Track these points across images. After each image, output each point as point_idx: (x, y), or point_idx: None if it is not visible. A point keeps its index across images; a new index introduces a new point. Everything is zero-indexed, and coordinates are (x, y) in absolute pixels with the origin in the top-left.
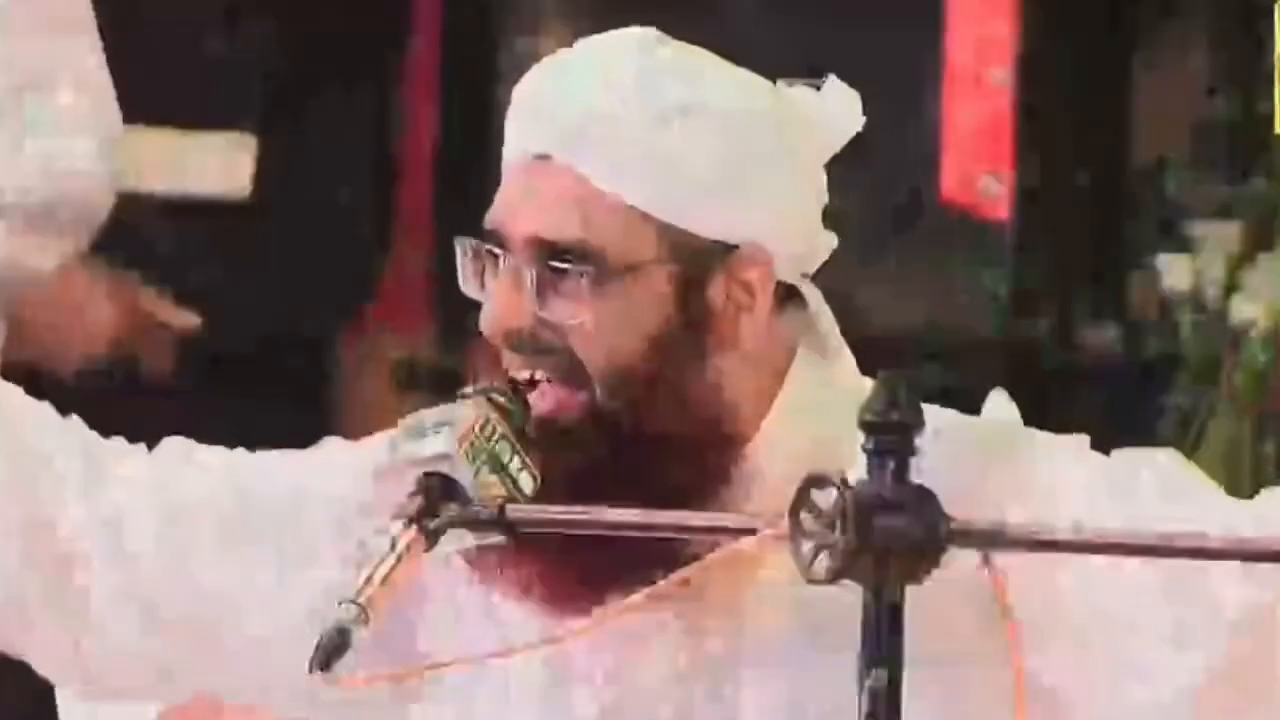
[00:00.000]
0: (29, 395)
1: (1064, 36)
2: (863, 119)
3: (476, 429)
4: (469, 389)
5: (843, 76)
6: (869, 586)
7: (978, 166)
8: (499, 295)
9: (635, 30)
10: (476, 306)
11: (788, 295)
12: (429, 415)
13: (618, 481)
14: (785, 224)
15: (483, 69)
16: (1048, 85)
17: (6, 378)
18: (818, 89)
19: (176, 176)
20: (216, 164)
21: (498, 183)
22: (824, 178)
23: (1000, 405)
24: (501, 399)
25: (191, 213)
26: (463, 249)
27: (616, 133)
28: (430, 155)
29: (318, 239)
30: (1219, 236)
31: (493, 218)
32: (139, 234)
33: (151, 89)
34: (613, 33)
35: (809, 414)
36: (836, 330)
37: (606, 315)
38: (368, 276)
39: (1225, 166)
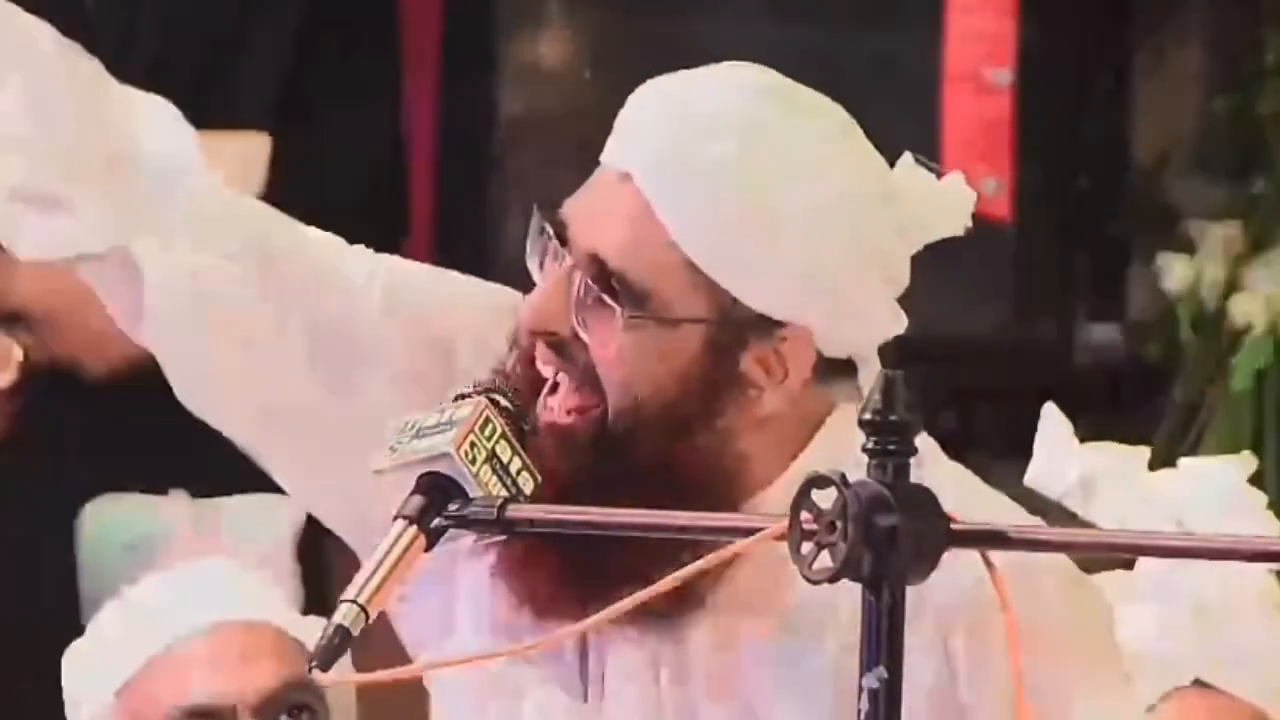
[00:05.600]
0: (61, 394)
1: (1064, 36)
2: (969, 224)
3: (476, 429)
4: (469, 389)
5: (843, 76)
6: (869, 586)
7: (978, 166)
8: (546, 292)
9: (762, 77)
10: None
11: (834, 365)
12: (429, 415)
13: (616, 500)
14: (844, 313)
15: (483, 69)
16: (1048, 85)
17: (39, 375)
18: (938, 175)
19: None
20: (230, 164)
21: (498, 183)
22: (907, 266)
23: (1053, 418)
24: (501, 399)
25: None
26: (536, 224)
27: (698, 183)
28: (430, 155)
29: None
30: (1219, 236)
31: (567, 211)
32: None
33: (164, 89)
34: (739, 70)
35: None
36: None
37: (633, 353)
38: None
39: (1225, 166)
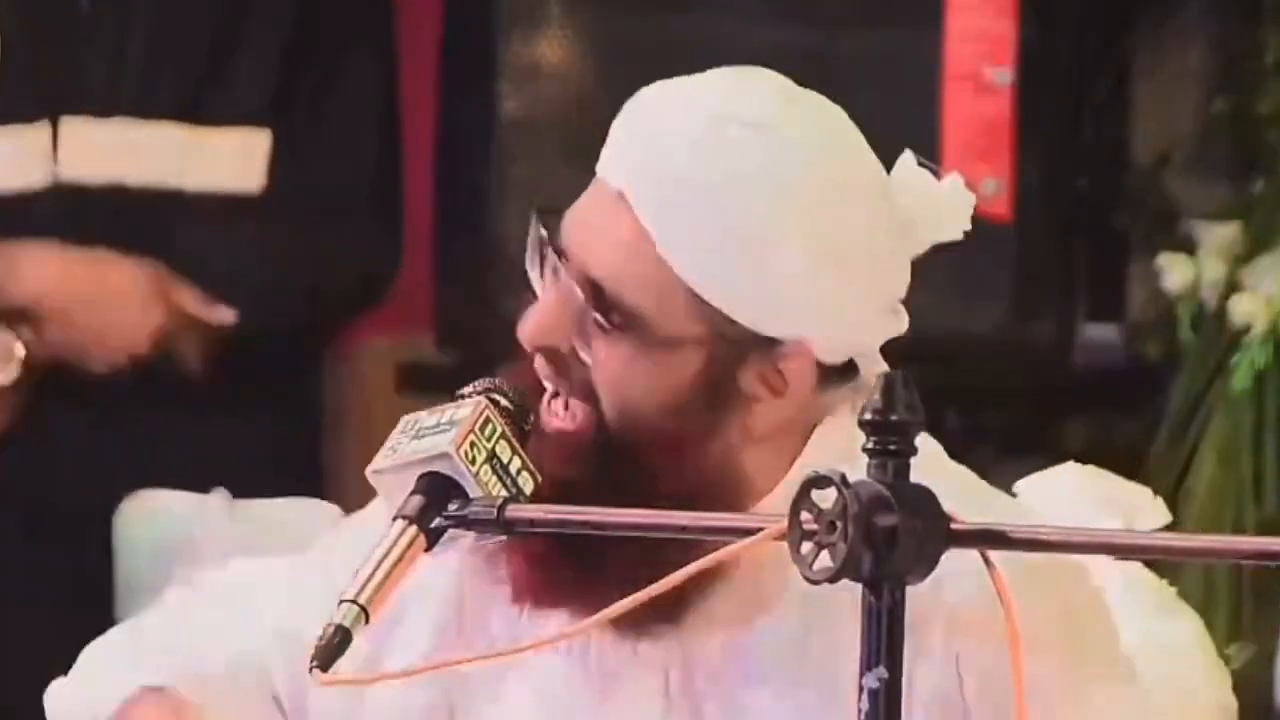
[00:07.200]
0: (60, 392)
1: (1064, 36)
2: (968, 227)
3: (476, 429)
4: (469, 389)
5: (843, 76)
6: (869, 586)
7: (978, 166)
8: (545, 307)
9: (763, 81)
10: (475, 306)
11: (837, 370)
12: (429, 415)
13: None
14: (844, 325)
15: (483, 69)
16: (1048, 85)
17: (40, 375)
18: (938, 176)
19: (189, 171)
20: (230, 159)
21: (498, 182)
22: (907, 269)
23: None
24: (502, 399)
25: (204, 207)
26: (535, 232)
27: (687, 203)
28: (430, 155)
29: (331, 234)
30: (1219, 236)
31: (566, 223)
32: (153, 229)
33: (164, 83)
34: (740, 76)
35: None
36: None
37: (630, 373)
38: (381, 272)
39: (1225, 166)
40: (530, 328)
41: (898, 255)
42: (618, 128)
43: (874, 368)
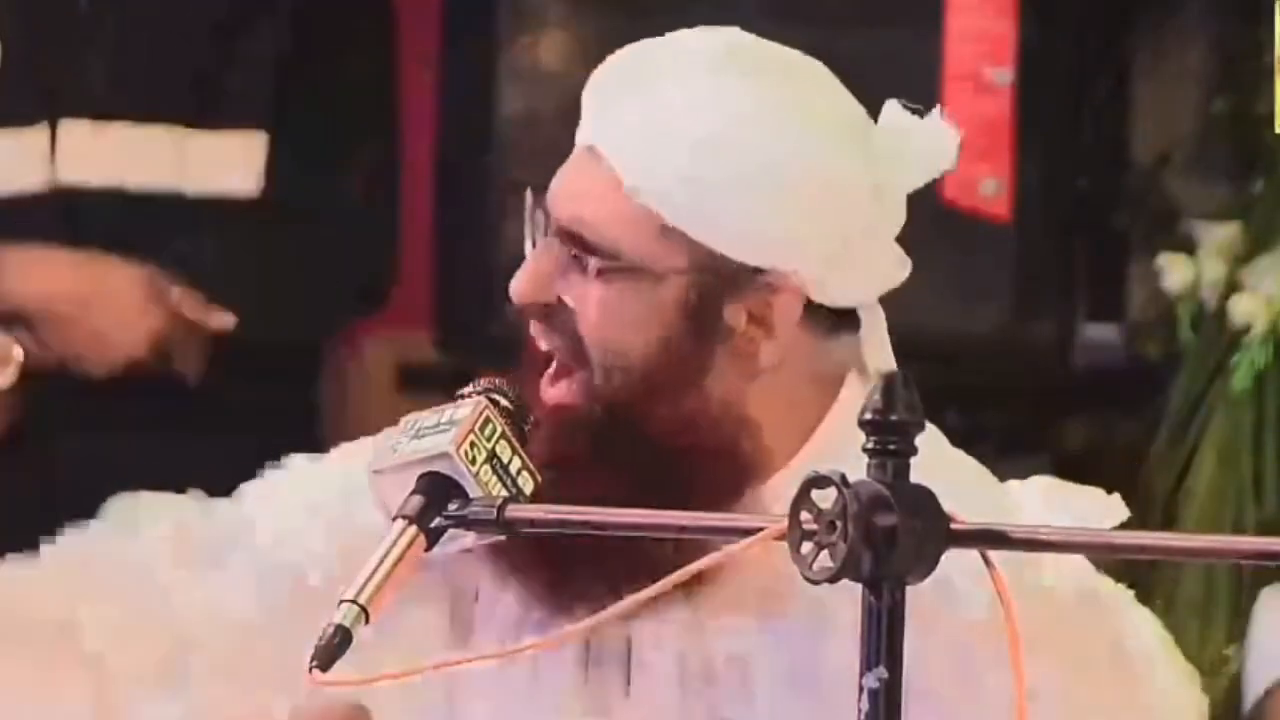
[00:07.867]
0: (58, 396)
1: (1064, 36)
2: (954, 159)
3: (476, 429)
4: (469, 389)
5: (843, 77)
6: (869, 586)
7: (978, 167)
8: (533, 265)
9: (722, 35)
10: (475, 306)
11: (841, 320)
12: (429, 415)
13: (619, 477)
14: (829, 255)
15: (483, 69)
16: (1048, 85)
17: (38, 379)
18: (921, 115)
19: (188, 175)
20: (226, 162)
21: (498, 183)
22: (900, 211)
23: None
24: (502, 399)
25: (203, 211)
26: (528, 205)
27: (658, 144)
28: (430, 155)
29: (329, 237)
30: (1219, 236)
31: (550, 189)
32: (152, 233)
33: (161, 86)
34: (699, 33)
35: (842, 450)
36: (888, 357)
37: (616, 311)
38: (381, 276)
39: (1225, 166)
40: (519, 284)
41: (885, 194)
42: (588, 90)
43: (875, 318)
